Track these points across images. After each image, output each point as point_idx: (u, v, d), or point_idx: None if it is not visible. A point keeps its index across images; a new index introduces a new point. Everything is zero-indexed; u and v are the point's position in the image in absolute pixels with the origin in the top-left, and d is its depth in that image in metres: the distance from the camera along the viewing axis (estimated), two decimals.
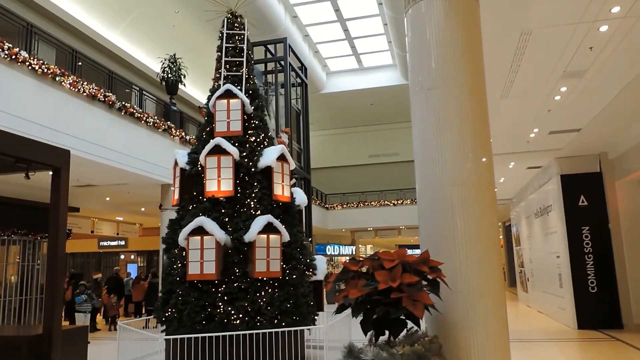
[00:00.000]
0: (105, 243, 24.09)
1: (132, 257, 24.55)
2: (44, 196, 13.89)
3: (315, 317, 8.11)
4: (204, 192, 7.80)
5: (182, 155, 8.33)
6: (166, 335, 7.41)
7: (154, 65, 16.06)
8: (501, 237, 32.94)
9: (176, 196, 8.26)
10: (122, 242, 23.32)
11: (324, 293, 9.00)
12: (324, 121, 30.83)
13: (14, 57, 8.45)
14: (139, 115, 11.85)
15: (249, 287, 7.31)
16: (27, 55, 8.74)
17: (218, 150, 7.83)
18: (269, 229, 7.48)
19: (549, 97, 8.35)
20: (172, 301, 7.41)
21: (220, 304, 7.17)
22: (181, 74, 13.94)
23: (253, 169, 7.95)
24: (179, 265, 7.57)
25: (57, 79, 9.44)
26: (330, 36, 22.21)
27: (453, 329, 4.00)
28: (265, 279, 7.42)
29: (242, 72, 8.66)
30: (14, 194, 13.09)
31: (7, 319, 13.19)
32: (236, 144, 8.02)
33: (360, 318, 3.57)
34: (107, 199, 16.06)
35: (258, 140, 8.35)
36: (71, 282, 15.53)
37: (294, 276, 7.74)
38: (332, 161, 33.10)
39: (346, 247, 34.79)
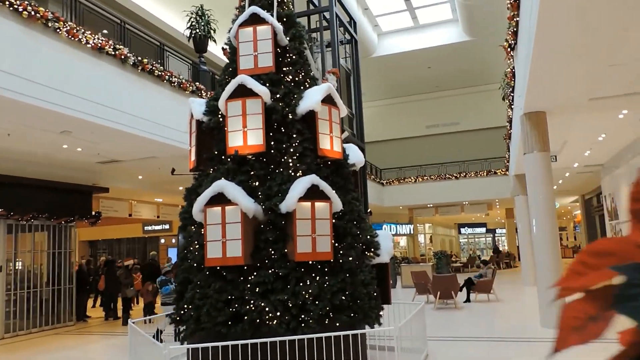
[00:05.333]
0: (149, 227, 22.94)
1: (174, 241, 23.29)
2: (66, 176, 12.36)
3: (380, 314, 6.01)
4: (227, 149, 5.85)
5: (198, 104, 6.40)
6: (181, 339, 5.57)
7: (183, 27, 14.20)
8: (578, 212, 29.68)
9: (193, 157, 6.36)
10: (167, 226, 22.05)
11: (390, 279, 6.92)
12: (376, 90, 28.39)
13: None
14: (159, 73, 10.04)
15: (289, 274, 5.32)
16: None
17: (242, 92, 5.83)
18: (314, 194, 5.44)
19: None
20: (187, 295, 5.54)
21: (250, 298, 5.22)
22: (210, 29, 12.03)
23: (290, 116, 5.90)
24: (197, 246, 5.69)
25: (50, 24, 7.69)
26: None
27: None
28: (310, 262, 5.41)
29: None
30: (32, 174, 11.67)
31: (37, 311, 11.92)
32: (267, 84, 6.01)
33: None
34: (140, 177, 14.54)
35: (297, 79, 6.29)
36: (104, 270, 14.19)
37: (350, 258, 5.69)
38: (386, 134, 30.65)
39: (404, 225, 32.50)
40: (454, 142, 29.76)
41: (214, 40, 12.28)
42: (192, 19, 12.02)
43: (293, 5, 8.06)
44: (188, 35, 12.13)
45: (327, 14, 13.29)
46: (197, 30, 11.91)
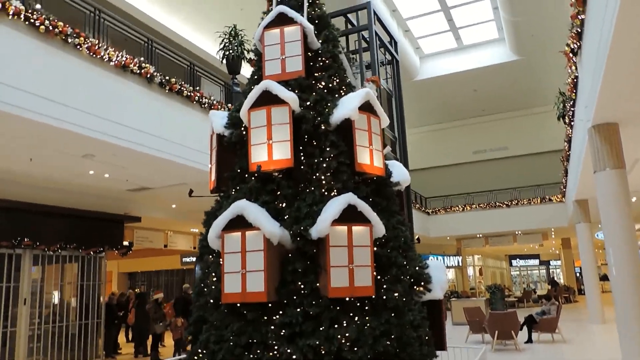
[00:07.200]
0: (187, 259, 22.44)
1: None
2: (96, 204, 11.87)
3: None
4: (249, 166, 5.04)
5: (219, 117, 5.67)
6: None
7: (215, 49, 13.82)
8: None
9: (213, 177, 5.58)
10: None
11: (445, 319, 5.87)
12: (419, 116, 27.43)
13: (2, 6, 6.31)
14: (188, 93, 9.49)
15: (321, 313, 4.37)
16: (22, 6, 6.56)
17: (267, 100, 5.04)
18: (351, 216, 4.52)
19: None
20: (202, 336, 4.67)
21: (274, 342, 4.30)
22: (244, 49, 11.52)
23: (323, 126, 5.04)
24: (214, 279, 4.84)
25: (70, 40, 7.23)
26: (422, 8, 18.96)
27: None
28: (348, 299, 4.45)
29: None
30: (60, 202, 11.25)
31: (63, 347, 11.33)
32: (296, 91, 5.21)
33: None
34: (173, 206, 13.99)
35: (330, 86, 5.45)
36: (134, 303, 13.57)
37: (396, 294, 4.69)
38: (431, 161, 29.46)
39: (451, 257, 30.91)
40: (503, 168, 28.27)
41: (247, 61, 11.76)
42: (225, 40, 11.58)
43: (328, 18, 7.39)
44: (221, 57, 11.68)
45: (366, 34, 12.60)
46: (231, 51, 11.44)
